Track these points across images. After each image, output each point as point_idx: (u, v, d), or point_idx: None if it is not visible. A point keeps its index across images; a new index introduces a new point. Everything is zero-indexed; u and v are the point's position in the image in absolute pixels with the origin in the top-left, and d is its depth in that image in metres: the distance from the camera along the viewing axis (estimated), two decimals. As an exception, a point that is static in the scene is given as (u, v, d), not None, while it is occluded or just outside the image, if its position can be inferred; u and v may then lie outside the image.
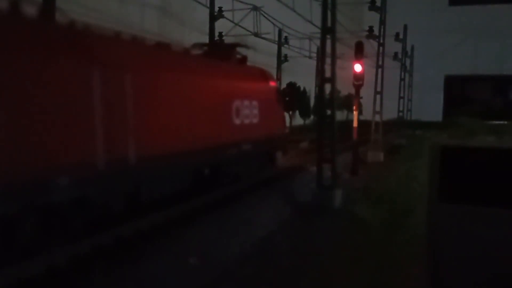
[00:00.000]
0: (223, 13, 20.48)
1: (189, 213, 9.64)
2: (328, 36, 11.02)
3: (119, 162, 7.79)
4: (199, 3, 18.78)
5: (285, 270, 6.68)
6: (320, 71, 12.10)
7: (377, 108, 21.17)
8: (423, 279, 4.41)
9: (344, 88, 33.96)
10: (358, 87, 15.44)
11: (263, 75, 14.71)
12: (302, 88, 51.60)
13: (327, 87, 11.37)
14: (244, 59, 14.01)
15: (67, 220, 6.98)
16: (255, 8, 22.90)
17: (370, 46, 22.93)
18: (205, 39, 19.69)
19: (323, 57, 11.18)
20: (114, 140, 7.70)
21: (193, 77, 10.23)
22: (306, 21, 21.29)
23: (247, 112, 12.71)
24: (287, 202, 11.52)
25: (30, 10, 6.92)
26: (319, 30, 11.54)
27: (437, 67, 43.23)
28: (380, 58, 21.32)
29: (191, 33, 22.84)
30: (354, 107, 16.53)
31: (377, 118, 21.50)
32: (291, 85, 46.74)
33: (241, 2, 21.26)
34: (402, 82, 30.48)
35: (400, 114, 30.62)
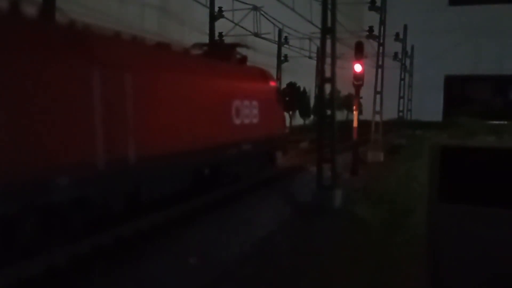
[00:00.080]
0: (223, 13, 20.48)
1: (189, 213, 9.64)
2: (328, 36, 11.02)
3: (119, 162, 7.80)
4: (199, 3, 18.80)
5: (285, 270, 6.68)
6: (320, 71, 12.09)
7: (377, 108, 21.19)
8: (423, 279, 4.41)
9: (344, 88, 34.02)
10: (358, 87, 15.44)
11: (263, 75, 14.71)
12: (302, 88, 51.67)
13: (327, 87, 11.36)
14: (244, 59, 14.02)
15: (67, 220, 6.98)
16: (255, 8, 22.93)
17: (370, 46, 23.00)
18: (205, 39, 19.69)
19: (323, 57, 11.18)
20: (114, 140, 7.70)
21: (193, 77, 10.23)
22: (306, 21, 21.32)
23: (247, 112, 12.71)
24: (287, 202, 11.51)
25: (30, 10, 6.93)
26: (319, 30, 11.55)
27: (437, 67, 43.23)
28: (380, 58, 21.34)
29: (191, 33, 22.90)
30: (354, 107, 16.52)
31: (377, 118, 21.52)
32: (291, 85, 46.77)
33: (241, 2, 21.31)
34: (402, 82, 30.47)
35: (400, 114, 30.59)
